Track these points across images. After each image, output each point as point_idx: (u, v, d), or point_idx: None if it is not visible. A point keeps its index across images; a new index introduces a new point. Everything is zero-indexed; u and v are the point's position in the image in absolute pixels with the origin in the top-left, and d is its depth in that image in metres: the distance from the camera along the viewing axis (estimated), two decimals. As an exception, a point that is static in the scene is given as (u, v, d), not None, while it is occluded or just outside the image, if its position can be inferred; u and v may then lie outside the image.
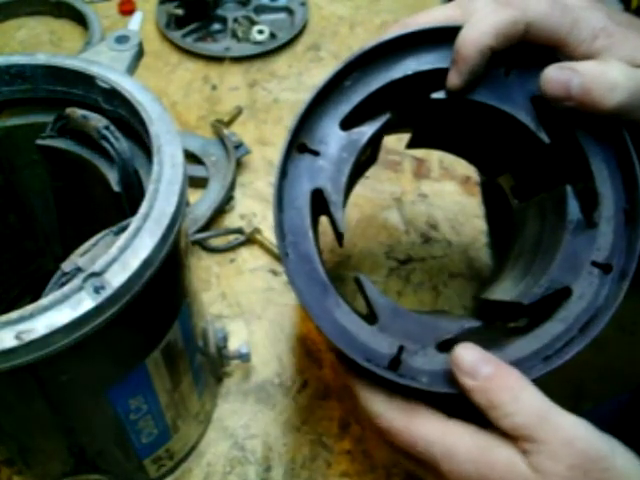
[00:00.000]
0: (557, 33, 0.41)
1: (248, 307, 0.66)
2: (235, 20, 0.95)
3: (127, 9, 0.99)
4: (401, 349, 0.40)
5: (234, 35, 0.94)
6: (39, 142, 0.47)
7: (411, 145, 0.57)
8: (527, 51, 0.41)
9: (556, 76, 0.40)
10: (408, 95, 0.45)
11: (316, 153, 0.42)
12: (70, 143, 0.46)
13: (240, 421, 0.58)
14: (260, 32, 0.93)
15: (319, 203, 0.42)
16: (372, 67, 0.43)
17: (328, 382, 0.61)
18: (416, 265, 0.69)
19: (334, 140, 0.42)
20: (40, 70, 0.45)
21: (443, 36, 0.42)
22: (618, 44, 0.41)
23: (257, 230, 0.71)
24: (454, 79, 0.42)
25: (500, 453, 0.37)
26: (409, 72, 0.43)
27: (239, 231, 0.71)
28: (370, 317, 0.42)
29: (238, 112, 0.84)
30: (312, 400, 0.59)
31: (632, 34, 0.41)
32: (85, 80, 0.44)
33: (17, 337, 0.30)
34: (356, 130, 0.43)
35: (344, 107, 0.43)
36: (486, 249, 0.70)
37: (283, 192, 0.41)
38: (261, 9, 0.98)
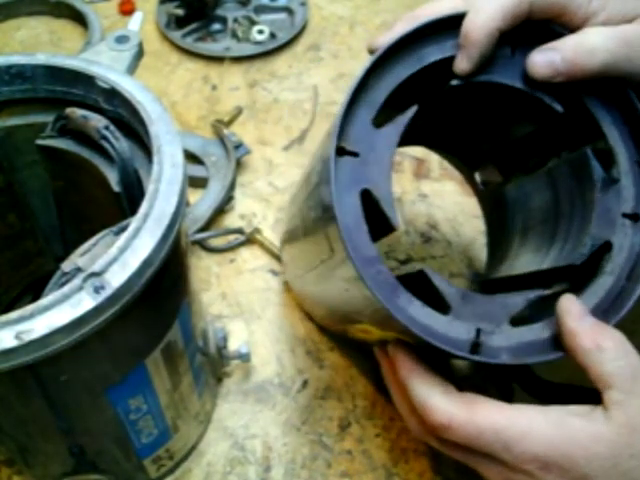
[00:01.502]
0: (557, 4, 0.42)
1: (248, 307, 0.66)
2: (235, 20, 0.95)
3: (127, 9, 0.99)
4: (479, 332, 0.41)
5: (234, 35, 0.94)
6: (39, 142, 0.47)
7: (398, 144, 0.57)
8: (528, 28, 0.43)
9: (540, 59, 0.42)
10: (428, 86, 0.45)
11: (355, 154, 0.42)
12: (70, 143, 0.46)
13: (240, 421, 0.58)
14: (260, 32, 0.93)
15: (367, 204, 0.42)
16: (391, 63, 0.43)
17: (328, 382, 0.61)
18: (416, 265, 0.69)
19: (370, 138, 0.42)
20: (40, 70, 0.45)
21: (455, 24, 0.43)
22: (611, 2, 0.43)
23: (257, 230, 0.71)
24: (464, 64, 0.43)
25: (577, 424, 0.38)
26: (426, 63, 0.44)
27: (239, 231, 0.71)
28: (440, 308, 0.42)
29: (238, 112, 0.84)
30: (312, 400, 0.59)
31: None
32: (85, 80, 0.44)
33: (17, 337, 0.30)
34: (389, 125, 0.43)
35: (373, 105, 0.43)
36: (486, 249, 0.70)
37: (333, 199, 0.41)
38: (261, 9, 0.98)
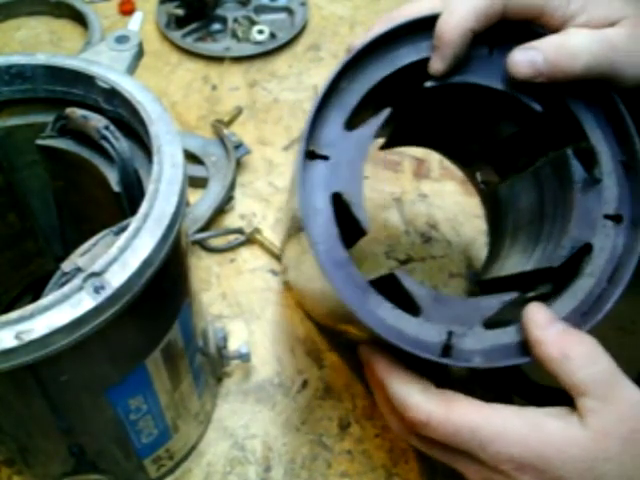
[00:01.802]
0: (534, 4, 0.42)
1: (248, 307, 0.66)
2: (235, 20, 0.95)
3: (127, 9, 0.99)
4: (450, 334, 0.40)
5: (234, 35, 0.94)
6: (39, 142, 0.47)
7: (387, 146, 0.57)
8: (506, 28, 0.42)
9: (521, 58, 0.42)
10: (403, 88, 0.45)
11: (326, 158, 0.42)
12: (70, 143, 0.46)
13: (240, 421, 0.58)
14: (260, 32, 0.93)
15: (338, 208, 0.42)
16: (365, 65, 0.43)
17: (328, 382, 0.61)
18: (416, 265, 0.69)
19: (341, 142, 0.42)
20: (40, 70, 0.45)
21: (430, 25, 0.43)
22: (592, 4, 0.42)
23: (257, 230, 0.71)
24: (437, 64, 0.43)
25: (552, 425, 0.38)
26: (401, 65, 0.43)
27: (239, 231, 0.71)
28: (412, 310, 0.42)
29: (238, 112, 0.84)
30: (312, 400, 0.59)
31: None
32: (85, 80, 0.44)
33: (17, 337, 0.30)
34: (361, 128, 0.43)
35: (345, 108, 0.43)
36: (486, 249, 0.70)
37: (303, 203, 0.41)
38: (261, 9, 0.98)
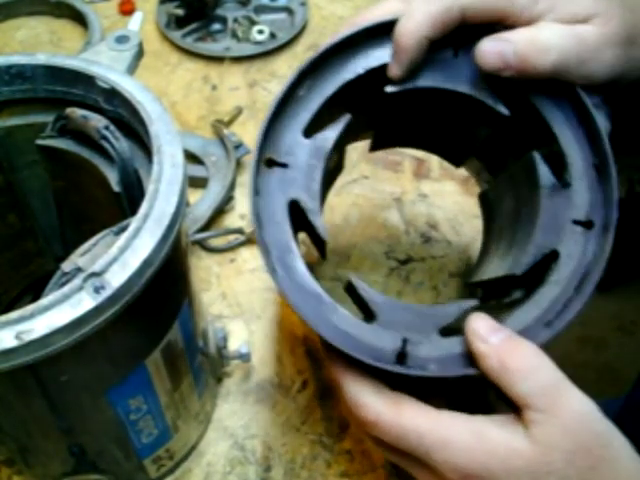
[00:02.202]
0: (495, 8, 0.41)
1: (248, 307, 0.66)
2: (235, 20, 0.95)
3: (127, 9, 0.99)
4: (405, 342, 0.40)
5: (234, 35, 0.94)
6: (39, 142, 0.47)
7: (374, 147, 0.57)
8: (471, 30, 0.42)
9: (490, 48, 0.40)
10: (364, 93, 0.45)
11: (284, 165, 0.42)
12: (70, 143, 0.46)
13: (240, 421, 0.58)
14: (260, 32, 0.93)
15: (296, 215, 0.42)
16: (324, 72, 0.43)
17: (328, 382, 0.61)
18: (416, 265, 0.69)
19: (300, 149, 0.43)
20: (40, 70, 0.45)
21: (389, 30, 0.43)
22: (560, 3, 0.41)
23: (257, 230, 0.71)
24: (394, 69, 0.43)
25: (497, 436, 0.37)
26: (360, 71, 0.43)
27: (239, 231, 0.71)
28: (368, 316, 0.42)
29: (238, 112, 0.84)
30: (312, 400, 0.59)
31: None
32: (85, 80, 0.44)
33: (17, 337, 0.30)
34: (320, 136, 0.43)
35: (304, 116, 0.43)
36: (486, 249, 0.70)
37: (260, 209, 0.41)
38: (261, 9, 0.98)
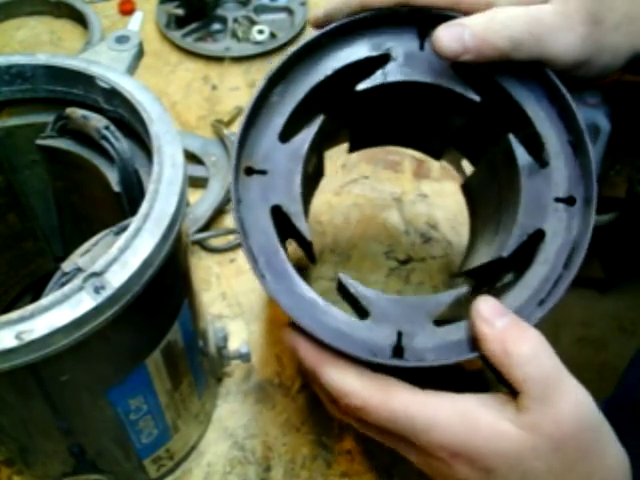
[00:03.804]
0: None
1: (248, 307, 0.66)
2: (235, 20, 0.95)
3: (127, 9, 0.99)
4: (400, 335, 0.40)
5: (234, 35, 0.94)
6: (39, 142, 0.47)
7: (352, 148, 0.57)
8: (435, 21, 0.42)
9: (447, 33, 0.40)
10: (336, 94, 0.45)
11: (263, 172, 0.42)
12: (70, 143, 0.46)
13: (240, 421, 0.58)
14: (260, 32, 0.93)
15: (281, 220, 0.42)
16: (295, 76, 0.44)
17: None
18: (416, 265, 0.69)
19: (277, 155, 0.43)
20: (40, 70, 0.45)
21: (354, 29, 0.43)
22: None
23: (257, 230, 0.71)
24: (316, 12, 0.44)
25: (482, 416, 0.37)
26: (329, 72, 0.44)
27: (239, 231, 0.71)
28: (361, 313, 0.42)
29: (238, 112, 0.84)
30: (312, 400, 0.59)
31: None
32: (85, 80, 0.44)
33: (17, 337, 0.30)
34: (295, 139, 0.43)
35: (278, 121, 0.43)
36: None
37: (243, 218, 0.42)
38: (261, 9, 0.98)
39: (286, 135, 0.43)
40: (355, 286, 0.42)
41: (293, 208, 0.42)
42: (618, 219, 1.54)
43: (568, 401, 0.36)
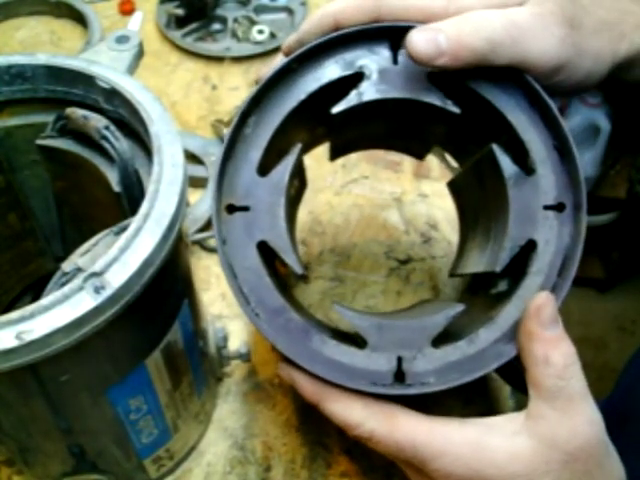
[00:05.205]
0: (413, 5, 0.41)
1: (248, 307, 0.66)
2: (235, 20, 0.95)
3: (127, 9, 0.99)
4: (400, 360, 0.40)
5: (234, 35, 0.94)
6: (39, 142, 0.47)
7: (333, 156, 0.56)
8: (406, 33, 0.40)
9: (421, 37, 0.39)
10: (312, 115, 0.44)
11: (245, 209, 0.41)
12: (70, 143, 0.46)
13: (240, 421, 0.58)
14: (260, 32, 0.93)
15: (268, 252, 0.42)
16: (267, 105, 0.42)
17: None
18: (416, 265, 0.69)
19: (258, 189, 0.42)
20: (40, 70, 0.45)
21: (322, 51, 0.42)
22: None
23: (257, 230, 0.71)
24: (290, 39, 0.44)
25: (497, 443, 0.37)
26: (302, 96, 0.42)
27: (239, 231, 0.71)
28: (359, 342, 0.41)
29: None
30: (312, 400, 0.59)
31: None
32: (85, 80, 0.44)
33: (17, 337, 0.31)
34: (274, 172, 0.42)
35: (254, 154, 0.42)
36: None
37: (230, 258, 0.41)
38: (261, 9, 0.98)
39: (265, 166, 0.42)
40: (351, 316, 0.41)
41: (280, 243, 0.41)
42: (618, 219, 1.54)
43: (586, 415, 0.37)
